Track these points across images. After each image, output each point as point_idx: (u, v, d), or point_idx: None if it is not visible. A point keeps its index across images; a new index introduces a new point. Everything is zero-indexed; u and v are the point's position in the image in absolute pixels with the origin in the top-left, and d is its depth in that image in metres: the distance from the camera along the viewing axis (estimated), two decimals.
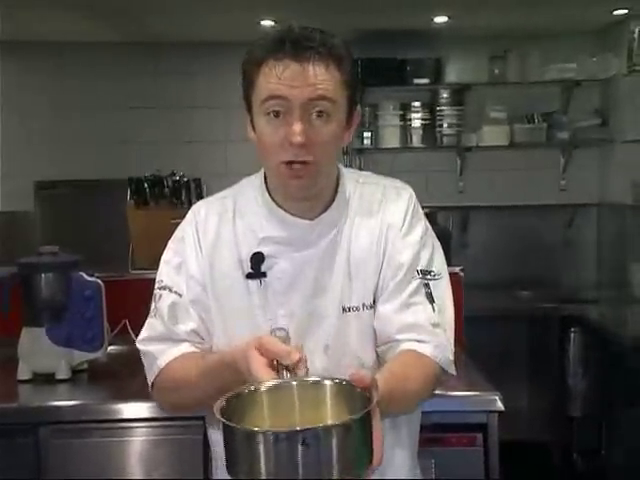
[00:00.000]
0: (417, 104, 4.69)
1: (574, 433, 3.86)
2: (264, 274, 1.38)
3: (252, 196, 1.44)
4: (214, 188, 3.61)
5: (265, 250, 1.38)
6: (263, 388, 1.09)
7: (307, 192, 1.34)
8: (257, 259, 1.37)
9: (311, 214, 1.38)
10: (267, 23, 4.12)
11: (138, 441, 2.29)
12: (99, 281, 2.47)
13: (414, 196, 1.47)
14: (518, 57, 4.56)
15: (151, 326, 1.47)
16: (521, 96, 4.66)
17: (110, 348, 2.61)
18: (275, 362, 1.11)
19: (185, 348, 1.40)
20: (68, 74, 4.35)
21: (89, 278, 2.46)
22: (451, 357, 1.38)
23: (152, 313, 1.47)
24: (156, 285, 1.47)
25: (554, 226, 4.67)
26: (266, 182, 1.41)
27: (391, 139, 4.64)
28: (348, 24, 4.15)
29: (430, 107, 4.69)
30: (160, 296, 1.44)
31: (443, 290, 1.42)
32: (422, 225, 1.45)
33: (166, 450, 2.28)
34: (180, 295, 1.41)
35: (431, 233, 1.46)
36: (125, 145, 4.39)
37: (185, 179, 3.06)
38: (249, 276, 1.38)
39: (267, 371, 1.09)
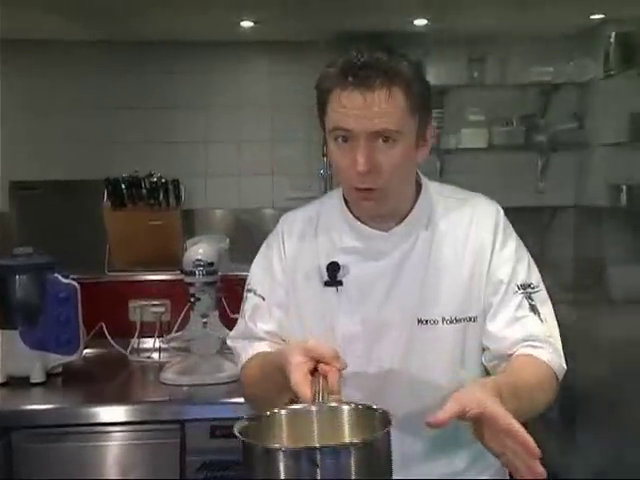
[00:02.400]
0: None
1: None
2: (340, 282, 1.42)
3: (334, 209, 1.49)
4: (193, 189, 3.61)
5: (341, 259, 1.42)
6: (283, 412, 1.13)
7: (378, 212, 1.39)
8: (333, 268, 1.42)
9: (386, 226, 1.42)
10: (248, 24, 4.09)
11: (114, 445, 2.27)
12: (75, 283, 2.44)
13: (501, 211, 1.48)
14: (497, 60, 4.56)
15: (238, 325, 1.57)
16: (500, 99, 4.65)
17: (86, 351, 2.59)
18: (314, 371, 1.17)
19: (263, 347, 1.48)
20: (45, 73, 4.28)
21: (64, 280, 2.42)
22: (564, 366, 1.38)
23: (241, 313, 1.56)
24: (245, 287, 1.56)
25: (532, 228, 4.66)
26: (344, 195, 1.46)
27: None
28: (329, 26, 4.13)
29: None
30: (247, 297, 1.54)
31: (544, 301, 1.43)
32: (514, 239, 1.46)
33: (142, 454, 2.26)
34: (263, 298, 1.50)
35: (523, 246, 1.48)
36: (102, 145, 4.32)
37: (163, 180, 3.03)
38: (327, 284, 1.43)
39: (305, 383, 1.14)
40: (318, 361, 1.20)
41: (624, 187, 4.23)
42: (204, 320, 2.53)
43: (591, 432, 3.09)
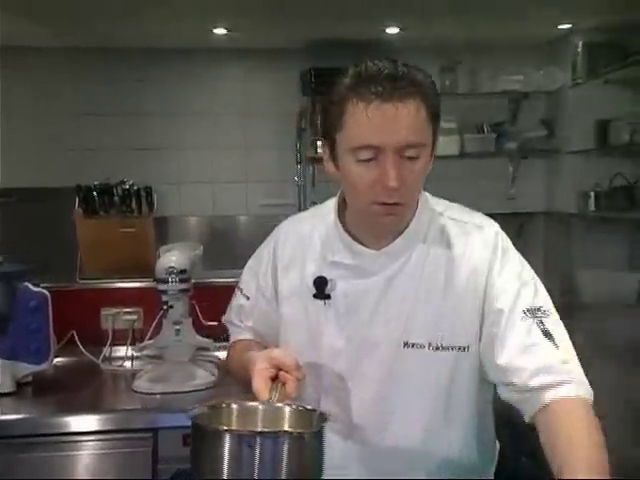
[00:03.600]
0: None
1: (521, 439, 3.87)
2: (328, 296, 1.41)
3: (327, 224, 1.46)
4: (166, 197, 3.57)
5: (329, 273, 1.41)
6: (234, 405, 1.25)
7: (396, 227, 1.37)
8: (320, 282, 1.41)
9: (378, 245, 1.39)
10: (220, 31, 4.08)
11: (85, 455, 2.22)
12: (45, 292, 2.39)
13: (500, 233, 1.42)
14: (468, 69, 4.59)
15: (228, 311, 1.69)
16: (471, 107, 4.68)
17: (56, 360, 2.55)
18: (275, 378, 1.26)
19: (250, 335, 1.61)
20: (15, 80, 4.21)
21: (35, 289, 2.38)
22: (591, 390, 1.27)
23: (233, 298, 1.67)
24: (239, 284, 1.64)
25: None
26: (339, 211, 1.44)
27: None
28: (302, 33, 4.14)
29: None
30: (236, 293, 1.65)
31: (557, 324, 1.34)
32: (515, 262, 1.39)
33: (114, 463, 2.22)
34: (248, 298, 1.59)
35: (527, 266, 1.40)
36: (74, 153, 4.28)
37: (135, 187, 2.99)
38: (315, 296, 1.43)
39: (264, 387, 1.23)
40: (280, 369, 1.26)
41: (592, 194, 4.29)
42: (177, 327, 2.50)
43: None
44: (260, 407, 1.23)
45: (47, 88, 4.29)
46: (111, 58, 4.32)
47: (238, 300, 1.62)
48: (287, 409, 1.22)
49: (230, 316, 1.67)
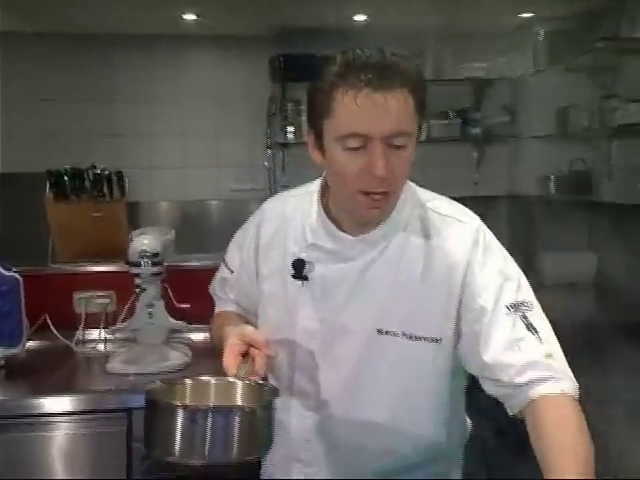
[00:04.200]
0: None
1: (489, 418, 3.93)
2: (306, 277, 1.39)
3: (310, 208, 1.43)
4: (138, 182, 3.54)
5: (308, 256, 1.40)
6: (188, 381, 1.25)
7: (382, 217, 1.34)
8: (298, 264, 1.40)
9: (358, 231, 1.37)
10: (190, 17, 4.04)
11: (60, 435, 2.21)
12: (17, 275, 2.37)
13: (483, 228, 1.40)
14: (433, 56, 4.61)
15: (213, 282, 1.69)
16: (436, 93, 4.67)
17: (29, 343, 2.52)
18: (244, 354, 1.26)
19: (232, 307, 1.63)
20: None
21: (7, 272, 2.35)
22: (576, 383, 1.26)
23: (217, 275, 1.68)
24: (224, 257, 1.64)
25: None
26: (321, 195, 1.42)
27: None
28: (270, 20, 4.12)
29: None
30: (222, 266, 1.64)
31: (541, 318, 1.31)
32: (498, 257, 1.37)
33: (90, 443, 2.21)
34: (232, 272, 1.59)
35: (510, 261, 1.38)
36: (43, 138, 4.21)
37: (106, 172, 2.95)
38: (294, 277, 1.41)
39: (232, 362, 1.23)
40: (251, 345, 1.26)
41: (552, 177, 4.33)
42: (150, 310, 2.49)
43: None
44: (213, 382, 1.23)
45: (17, 74, 4.20)
46: (80, 44, 4.25)
47: (222, 273, 1.63)
48: (240, 384, 1.21)
49: (214, 287, 1.68)
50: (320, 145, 1.29)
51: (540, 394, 1.21)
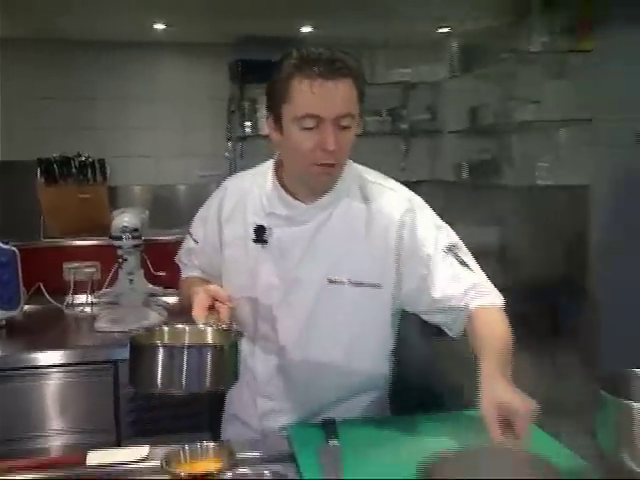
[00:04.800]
0: None
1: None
2: (266, 241, 1.39)
3: (266, 182, 1.43)
4: (115, 169, 3.49)
5: (267, 222, 1.39)
6: (166, 328, 1.24)
7: (331, 184, 1.36)
8: (259, 230, 1.39)
9: (309, 200, 1.37)
10: (160, 27, 3.97)
11: (56, 384, 2.20)
12: (14, 248, 2.34)
13: (412, 194, 1.44)
14: (368, 63, 4.61)
15: (179, 252, 1.66)
16: (371, 95, 4.64)
17: (26, 307, 2.50)
18: (211, 307, 1.25)
19: (197, 273, 1.59)
20: None
21: (5, 246, 2.32)
22: (501, 296, 1.37)
23: (184, 241, 1.64)
24: (189, 229, 1.61)
25: None
26: (276, 171, 1.42)
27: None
28: (230, 30, 4.08)
29: None
30: (187, 237, 1.61)
31: (467, 254, 1.40)
32: (429, 214, 1.42)
33: (82, 390, 2.21)
34: (197, 242, 1.57)
35: (436, 215, 1.43)
36: (34, 131, 4.09)
37: (90, 160, 2.90)
38: (255, 241, 1.40)
39: (201, 313, 1.23)
40: (216, 300, 1.26)
41: (465, 165, 4.41)
42: (131, 277, 2.49)
43: None
44: (187, 328, 1.23)
45: (11, 74, 4.05)
46: (66, 49, 4.14)
47: (188, 243, 1.60)
48: (209, 329, 1.21)
49: (181, 256, 1.65)
50: (279, 126, 1.30)
51: (476, 307, 1.33)
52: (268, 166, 1.46)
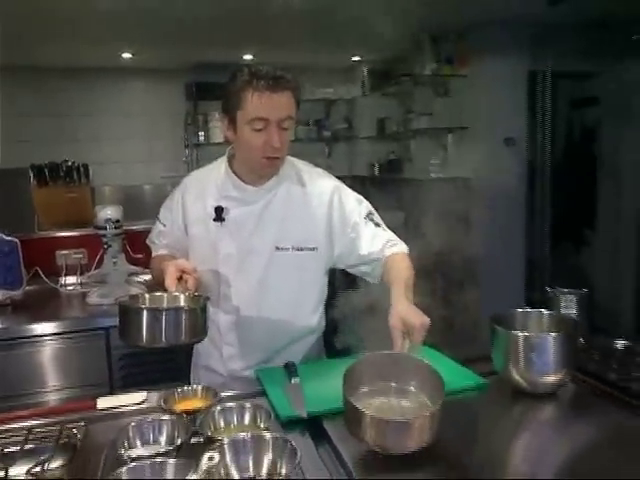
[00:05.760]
0: None
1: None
2: (223, 219, 1.38)
3: (220, 172, 1.42)
4: (92, 172, 3.38)
5: (224, 203, 1.39)
6: (147, 295, 1.21)
7: (273, 173, 1.37)
8: (218, 210, 1.38)
9: (257, 184, 1.38)
10: (127, 55, 3.84)
11: (55, 349, 2.14)
12: (16, 239, 2.25)
13: (338, 181, 1.47)
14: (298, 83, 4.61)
15: (151, 234, 1.58)
16: (300, 108, 4.71)
17: (27, 288, 2.39)
18: (180, 277, 1.22)
19: (165, 251, 1.52)
20: None
21: (7, 237, 2.23)
22: (406, 246, 1.42)
23: (153, 228, 1.57)
24: (158, 216, 1.55)
25: None
26: (229, 162, 1.41)
27: (217, 136, 4.47)
28: (186, 57, 4.00)
29: None
30: (157, 223, 1.55)
31: (379, 217, 1.45)
32: (350, 192, 1.45)
33: (78, 354, 2.16)
34: (165, 225, 1.52)
35: (356, 193, 1.46)
36: (24, 143, 3.88)
37: (75, 165, 2.81)
38: (214, 220, 1.39)
39: (172, 283, 1.20)
40: (183, 272, 1.23)
41: (376, 163, 4.52)
42: (114, 260, 2.43)
43: None
44: (164, 295, 1.21)
45: (6, 98, 3.83)
46: (49, 75, 3.96)
47: (157, 227, 1.55)
48: (182, 295, 1.20)
49: (152, 237, 1.58)
50: (233, 127, 1.31)
51: (389, 254, 1.39)
52: (220, 162, 1.46)
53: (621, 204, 3.85)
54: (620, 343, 1.41)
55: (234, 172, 1.40)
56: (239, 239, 1.38)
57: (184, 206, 1.46)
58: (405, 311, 1.15)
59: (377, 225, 1.42)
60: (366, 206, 1.45)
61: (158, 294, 1.21)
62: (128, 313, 1.11)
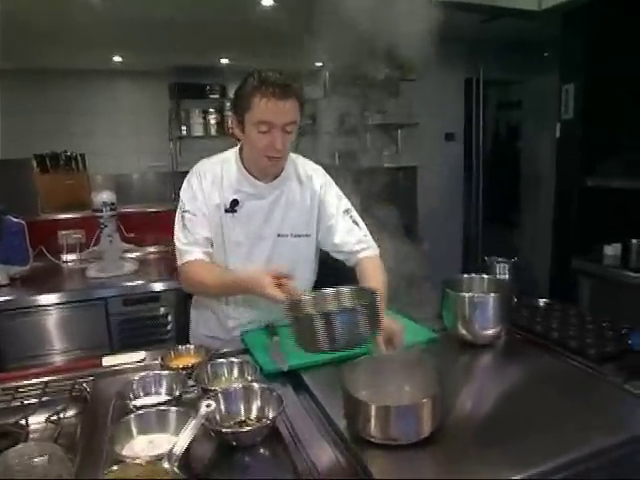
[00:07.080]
0: (212, 109, 4.40)
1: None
2: (235, 211, 1.33)
3: (232, 166, 1.35)
4: (88, 162, 3.24)
5: (238, 197, 1.33)
6: (307, 297, 1.07)
7: (277, 171, 1.33)
8: (233, 203, 1.33)
9: (266, 180, 1.33)
10: (117, 59, 3.68)
11: (60, 317, 2.10)
12: (22, 221, 2.17)
13: (327, 175, 1.42)
14: None
15: (179, 233, 1.33)
16: None
17: (33, 264, 2.32)
18: (278, 285, 1.10)
19: (197, 254, 1.30)
20: None
21: (15, 219, 2.14)
22: (378, 250, 1.37)
23: (180, 226, 1.32)
24: (179, 210, 1.34)
25: None
26: (241, 157, 1.34)
27: (197, 130, 4.31)
28: (169, 61, 3.87)
29: (220, 111, 4.43)
30: (183, 217, 1.32)
31: (357, 215, 1.40)
32: (333, 186, 1.41)
33: (80, 321, 2.11)
34: (195, 215, 1.32)
35: (338, 188, 1.42)
36: (30, 135, 3.65)
37: (74, 154, 2.71)
38: (227, 211, 1.33)
39: (279, 293, 1.09)
40: (278, 278, 1.13)
41: (337, 154, 4.50)
42: (110, 239, 2.37)
43: None
44: (330, 294, 1.07)
45: (9, 97, 3.58)
46: (48, 76, 3.75)
47: (187, 219, 1.32)
48: (345, 290, 1.05)
49: (181, 238, 1.33)
50: (241, 126, 1.27)
51: (363, 256, 1.35)
52: (230, 156, 1.39)
53: (540, 190, 4.00)
54: (542, 302, 1.47)
55: (246, 169, 1.35)
56: (249, 228, 1.35)
57: (204, 191, 1.36)
58: (385, 320, 1.09)
59: (354, 222, 1.39)
60: (345, 203, 1.41)
61: (315, 293, 1.07)
62: (303, 320, 0.94)
